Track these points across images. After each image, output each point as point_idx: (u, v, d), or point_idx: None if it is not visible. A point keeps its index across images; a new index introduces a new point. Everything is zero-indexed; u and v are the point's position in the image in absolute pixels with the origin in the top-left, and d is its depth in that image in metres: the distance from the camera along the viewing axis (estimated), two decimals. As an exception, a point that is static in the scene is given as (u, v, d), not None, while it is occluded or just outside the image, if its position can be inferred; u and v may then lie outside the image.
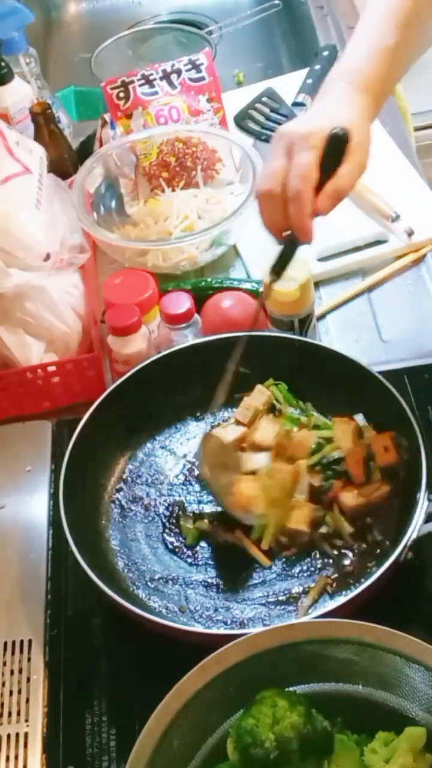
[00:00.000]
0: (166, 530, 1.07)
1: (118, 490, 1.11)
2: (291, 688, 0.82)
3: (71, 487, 1.03)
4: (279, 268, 1.00)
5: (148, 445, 1.15)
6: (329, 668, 0.84)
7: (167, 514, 1.08)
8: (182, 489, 1.10)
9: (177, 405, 1.16)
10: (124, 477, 1.12)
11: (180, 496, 1.10)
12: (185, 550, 1.05)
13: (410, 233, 1.37)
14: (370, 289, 1.33)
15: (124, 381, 1.12)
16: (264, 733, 0.77)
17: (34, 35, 1.67)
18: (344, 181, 0.94)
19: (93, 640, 1.01)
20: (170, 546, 1.05)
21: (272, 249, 1.22)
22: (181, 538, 1.06)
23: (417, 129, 1.91)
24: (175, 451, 1.14)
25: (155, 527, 1.07)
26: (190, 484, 1.11)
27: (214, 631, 0.96)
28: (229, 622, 0.98)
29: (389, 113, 1.62)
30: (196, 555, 1.04)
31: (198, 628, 0.97)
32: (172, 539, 1.06)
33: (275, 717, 0.78)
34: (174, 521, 1.07)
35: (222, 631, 0.96)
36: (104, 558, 1.04)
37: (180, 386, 1.15)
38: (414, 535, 0.93)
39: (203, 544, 1.05)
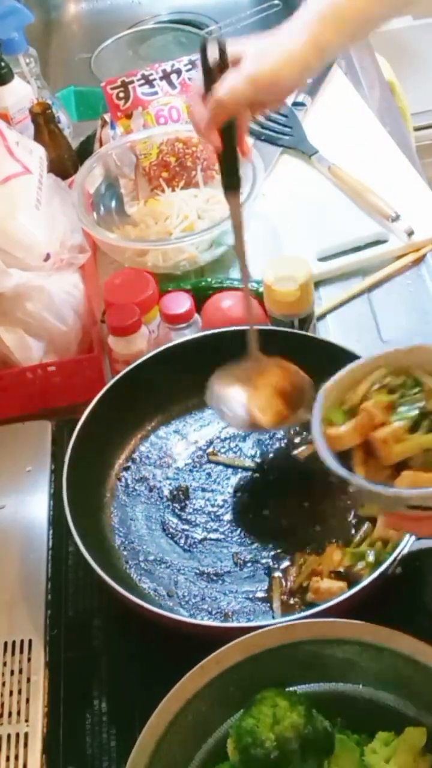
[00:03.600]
0: (167, 513, 1.08)
1: (126, 469, 1.12)
2: (291, 688, 0.82)
3: (78, 460, 1.04)
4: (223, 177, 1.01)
5: (163, 428, 1.16)
6: (329, 668, 0.84)
7: (170, 497, 1.09)
8: (188, 475, 1.11)
9: (192, 393, 1.16)
10: (133, 456, 1.13)
11: (185, 481, 1.10)
12: (181, 535, 1.06)
13: (410, 233, 1.37)
14: (370, 289, 1.33)
15: (144, 360, 1.13)
16: (264, 733, 0.77)
17: (34, 35, 1.67)
18: (217, 88, 0.93)
19: (93, 640, 1.01)
20: (168, 529, 1.06)
21: (272, 250, 1.23)
22: (179, 523, 1.06)
23: (417, 129, 1.91)
24: (188, 437, 1.15)
25: (156, 509, 1.08)
26: (197, 470, 1.11)
27: (197, 620, 0.97)
28: (213, 612, 0.99)
29: (389, 113, 1.62)
30: (191, 541, 1.05)
31: (183, 616, 0.97)
32: (171, 523, 1.07)
33: (275, 717, 0.78)
34: (175, 505, 1.08)
35: (206, 621, 0.97)
36: (102, 534, 1.05)
37: (192, 375, 1.15)
38: (405, 550, 0.93)
39: (200, 532, 1.05)
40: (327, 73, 1.67)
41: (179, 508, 1.08)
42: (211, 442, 1.14)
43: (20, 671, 0.98)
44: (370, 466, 0.79)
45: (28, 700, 0.96)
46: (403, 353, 0.82)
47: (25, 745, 0.93)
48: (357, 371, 0.83)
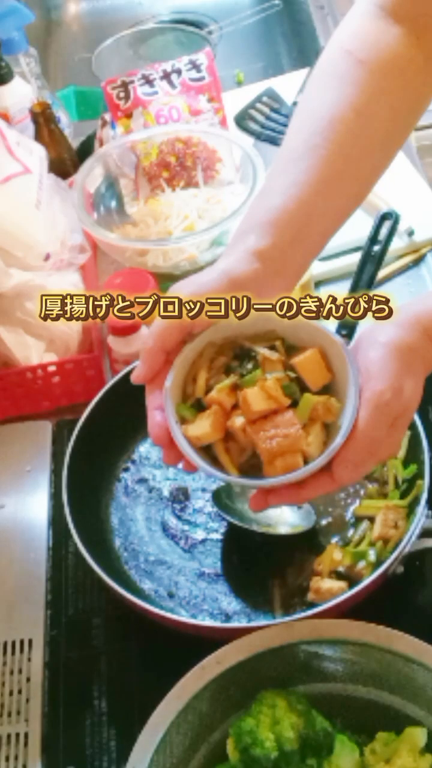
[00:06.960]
0: (167, 514, 1.08)
1: (126, 470, 1.12)
2: (291, 688, 0.82)
3: (78, 460, 1.04)
4: None
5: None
6: (329, 668, 0.84)
7: (170, 498, 1.09)
8: (188, 475, 1.11)
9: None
10: (133, 457, 1.13)
11: (185, 482, 1.10)
12: (181, 536, 1.06)
13: (410, 233, 1.37)
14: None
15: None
16: (264, 733, 0.77)
17: (34, 35, 1.67)
18: None
19: (93, 640, 1.01)
20: (168, 530, 1.06)
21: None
22: (179, 524, 1.07)
23: (417, 129, 1.90)
24: None
25: (156, 510, 1.08)
26: (197, 471, 1.11)
27: (198, 621, 0.97)
28: (215, 612, 0.99)
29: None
30: (191, 542, 1.05)
31: (183, 617, 0.97)
32: (171, 523, 1.07)
33: (275, 717, 0.78)
34: (175, 506, 1.08)
35: (206, 622, 0.97)
36: (102, 535, 1.05)
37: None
38: (407, 550, 0.92)
39: (200, 533, 1.05)
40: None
41: (179, 508, 1.08)
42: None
43: (20, 671, 0.98)
44: (232, 450, 0.80)
45: (27, 700, 0.96)
46: (224, 324, 0.80)
47: (25, 744, 0.93)
48: (189, 355, 0.81)
